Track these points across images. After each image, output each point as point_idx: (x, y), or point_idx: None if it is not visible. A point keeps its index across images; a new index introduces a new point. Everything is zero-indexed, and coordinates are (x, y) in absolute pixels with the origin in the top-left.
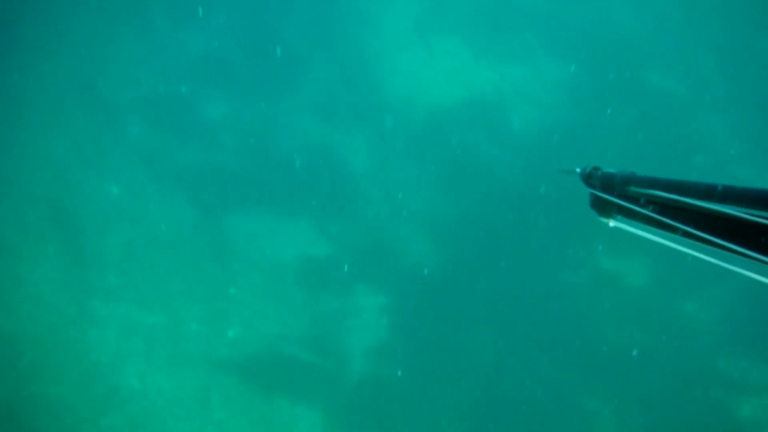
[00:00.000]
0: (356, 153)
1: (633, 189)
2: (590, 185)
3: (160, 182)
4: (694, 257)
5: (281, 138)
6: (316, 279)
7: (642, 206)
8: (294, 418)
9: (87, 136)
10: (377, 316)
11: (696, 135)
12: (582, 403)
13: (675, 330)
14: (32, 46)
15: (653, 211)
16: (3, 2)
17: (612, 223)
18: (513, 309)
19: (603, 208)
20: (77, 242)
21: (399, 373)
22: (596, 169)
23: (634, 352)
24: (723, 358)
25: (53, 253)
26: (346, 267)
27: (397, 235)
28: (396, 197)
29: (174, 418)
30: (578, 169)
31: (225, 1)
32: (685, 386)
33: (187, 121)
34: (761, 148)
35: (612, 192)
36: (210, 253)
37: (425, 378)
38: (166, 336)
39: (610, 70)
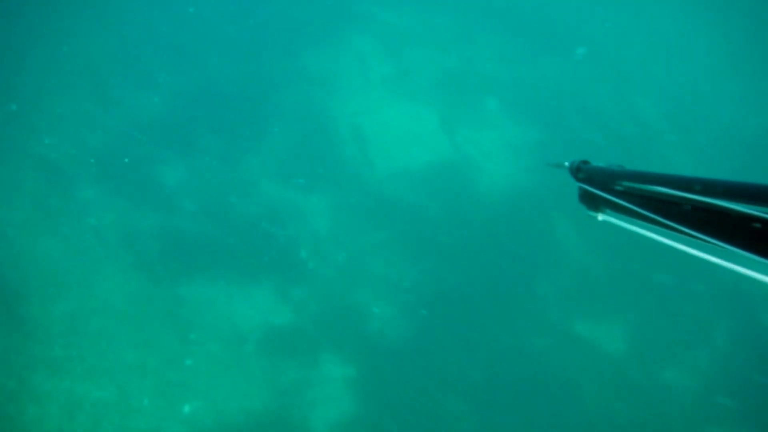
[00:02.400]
0: (318, 216)
1: (622, 183)
2: (579, 179)
3: (111, 248)
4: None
5: (240, 201)
6: (278, 348)
7: (630, 200)
8: None
9: (32, 197)
10: (343, 386)
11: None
12: None
13: (655, 399)
14: None
15: (642, 205)
16: None
17: (601, 217)
18: (485, 376)
19: (591, 202)
20: (18, 311)
21: None
22: (585, 162)
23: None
24: (706, 427)
25: None
26: (308, 334)
27: (361, 300)
28: (359, 261)
29: None
30: (567, 163)
31: (182, 63)
32: None
33: (142, 184)
34: None
35: (600, 186)
36: (164, 322)
37: None
38: (115, 412)
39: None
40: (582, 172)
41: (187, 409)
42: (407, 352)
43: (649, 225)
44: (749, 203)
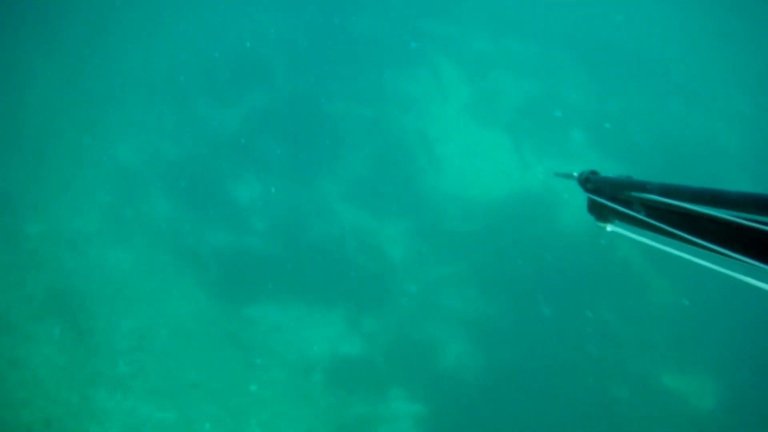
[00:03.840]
0: (393, 243)
1: (630, 193)
2: (587, 189)
3: (182, 264)
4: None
5: (314, 223)
6: (346, 379)
7: (638, 211)
8: None
9: (105, 207)
10: (411, 424)
11: None
12: None
13: None
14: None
15: (650, 215)
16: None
17: (609, 228)
18: (558, 421)
19: (600, 212)
20: (85, 324)
21: None
22: (594, 173)
23: None
24: None
25: (58, 336)
26: (378, 367)
27: (434, 334)
28: (434, 293)
29: None
30: (576, 174)
31: (264, 80)
32: None
33: (215, 201)
34: None
35: (609, 196)
36: (230, 344)
37: None
38: None
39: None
40: (591, 182)
41: None
42: (479, 391)
43: (658, 236)
44: (760, 214)
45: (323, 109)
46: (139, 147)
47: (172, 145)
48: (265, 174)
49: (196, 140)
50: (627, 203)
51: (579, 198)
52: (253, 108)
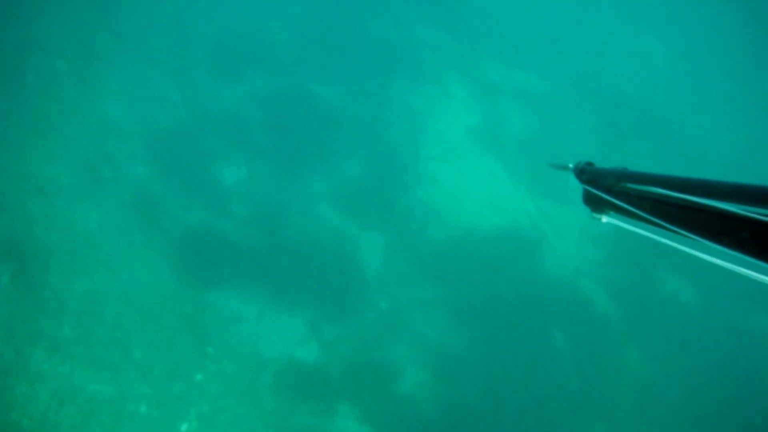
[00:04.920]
0: (370, 254)
1: (626, 185)
2: (583, 181)
3: (150, 234)
4: None
5: (293, 219)
6: (297, 385)
7: (634, 202)
8: None
9: (83, 160)
10: None
11: None
12: None
13: None
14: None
15: (645, 207)
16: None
17: (605, 219)
18: None
19: (596, 204)
20: (37, 277)
21: None
22: (589, 164)
23: None
24: None
25: (5, 284)
26: (332, 379)
27: (396, 355)
28: (403, 314)
29: None
30: (571, 165)
31: (273, 65)
32: None
33: (198, 177)
34: None
35: (605, 188)
36: (184, 327)
37: None
38: (107, 411)
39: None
40: (586, 174)
41: (184, 428)
42: (432, 424)
43: (653, 227)
44: (754, 205)
45: (324, 103)
46: (132, 107)
47: (166, 112)
48: (254, 159)
49: (191, 111)
50: (622, 195)
51: (567, 241)
52: (254, 89)
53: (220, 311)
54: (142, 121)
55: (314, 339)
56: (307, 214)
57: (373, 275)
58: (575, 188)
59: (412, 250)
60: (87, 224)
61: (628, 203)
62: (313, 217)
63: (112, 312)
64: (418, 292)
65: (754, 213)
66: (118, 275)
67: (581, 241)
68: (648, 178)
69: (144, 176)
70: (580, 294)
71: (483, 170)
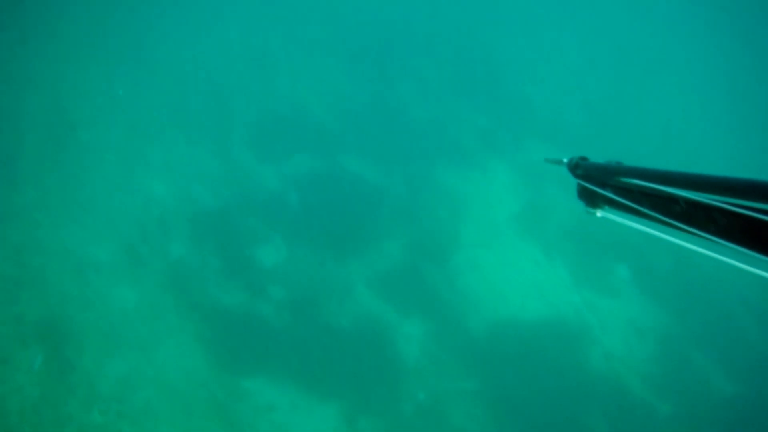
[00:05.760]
0: (409, 343)
1: (620, 179)
2: (577, 175)
3: (186, 315)
4: None
5: (331, 303)
6: None
7: (628, 197)
8: None
9: (122, 238)
10: None
11: None
12: None
13: None
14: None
15: (640, 201)
16: None
17: (599, 214)
18: None
19: (590, 198)
20: (70, 359)
21: None
22: (583, 159)
23: None
24: None
25: (38, 366)
26: None
27: None
28: (442, 405)
29: None
30: (565, 159)
31: (319, 146)
32: None
33: (237, 257)
34: None
35: (599, 182)
36: (216, 414)
37: None
38: None
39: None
40: (580, 168)
41: None
42: None
43: (647, 221)
44: (745, 199)
45: (365, 185)
46: (174, 184)
47: (207, 190)
48: (293, 240)
49: (233, 190)
50: (617, 189)
51: (613, 335)
52: (295, 169)
53: (253, 398)
54: (184, 198)
55: (348, 430)
56: (345, 298)
57: (412, 365)
58: (622, 279)
59: (452, 339)
60: (123, 304)
61: (623, 197)
62: (350, 302)
63: (143, 397)
64: (458, 383)
65: (753, 210)
66: (151, 358)
67: (628, 335)
68: (642, 172)
69: (183, 255)
70: (625, 390)
71: (526, 258)
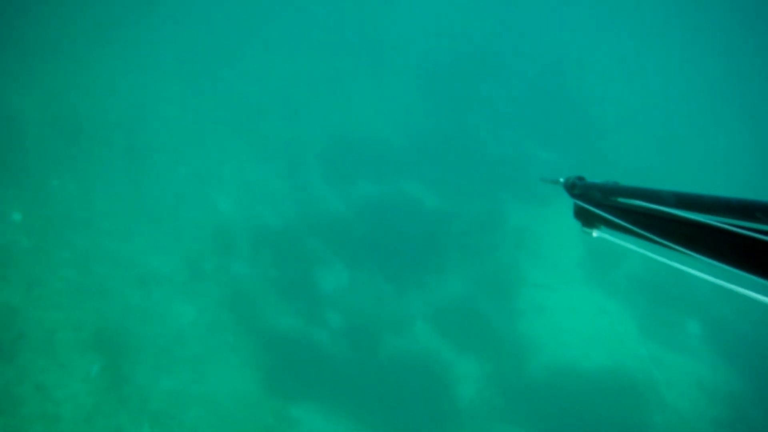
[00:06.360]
0: (465, 383)
1: (617, 199)
2: (574, 195)
3: (243, 336)
4: None
5: (388, 335)
6: None
7: (625, 217)
8: None
9: (186, 253)
10: None
11: None
12: None
13: None
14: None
15: (636, 221)
16: None
17: (596, 234)
18: None
19: (586, 218)
20: (125, 370)
21: None
22: (580, 179)
23: None
24: None
25: (94, 374)
26: None
27: None
28: None
29: None
30: (562, 179)
31: (383, 173)
32: None
33: (298, 280)
34: None
35: (595, 202)
36: None
37: None
38: None
39: None
40: (577, 188)
41: None
42: None
43: (643, 241)
44: (745, 220)
45: (431, 215)
46: (240, 202)
47: (272, 209)
48: (355, 267)
49: (298, 211)
50: (613, 209)
51: (680, 394)
52: (362, 194)
53: (302, 427)
54: (249, 216)
55: None
56: (403, 331)
57: (466, 406)
58: (692, 334)
59: (509, 382)
60: (181, 319)
61: (619, 217)
62: (408, 335)
63: (193, 415)
64: (512, 429)
65: (749, 230)
66: (203, 376)
67: (696, 395)
68: (638, 192)
69: (243, 274)
70: None
71: (591, 304)
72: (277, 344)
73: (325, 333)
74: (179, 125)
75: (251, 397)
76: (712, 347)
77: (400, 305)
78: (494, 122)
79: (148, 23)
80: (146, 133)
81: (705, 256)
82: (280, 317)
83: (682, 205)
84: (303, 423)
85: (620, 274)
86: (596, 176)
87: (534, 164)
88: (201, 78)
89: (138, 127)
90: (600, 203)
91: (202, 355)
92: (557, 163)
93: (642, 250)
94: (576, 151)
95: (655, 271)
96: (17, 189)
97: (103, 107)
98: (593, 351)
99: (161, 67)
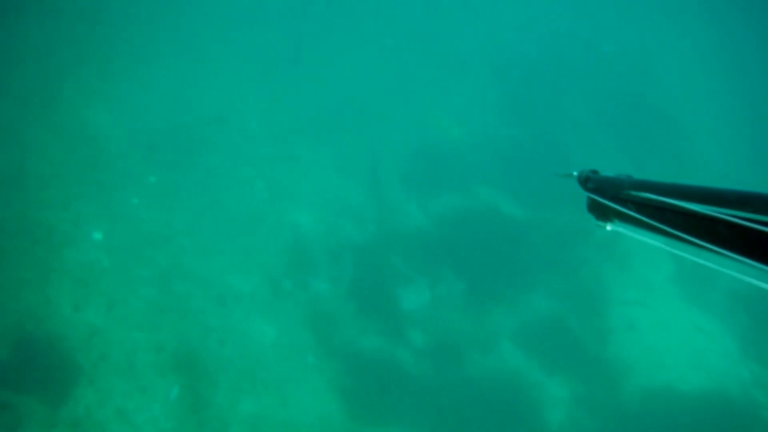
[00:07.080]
0: (554, 405)
1: (630, 193)
2: (587, 189)
3: (324, 357)
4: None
5: (474, 353)
6: None
7: (638, 210)
8: None
9: (266, 270)
10: None
11: None
12: None
13: None
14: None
15: (649, 214)
16: None
17: (609, 227)
18: None
19: (600, 212)
20: (205, 393)
21: None
22: (593, 172)
23: None
24: None
25: (174, 397)
26: None
27: None
28: None
29: None
30: (575, 173)
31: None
32: None
33: (379, 297)
34: None
35: (609, 196)
36: None
37: None
38: None
39: None
40: (591, 181)
41: None
42: None
43: (658, 234)
44: (758, 213)
45: (518, 230)
46: (321, 218)
47: (353, 225)
48: (438, 283)
49: (380, 226)
50: (627, 203)
51: None
52: (444, 208)
53: None
54: (329, 232)
55: None
56: (488, 350)
57: (555, 431)
58: None
59: (601, 405)
60: (262, 340)
61: (633, 211)
62: (494, 354)
63: None
64: None
65: (762, 224)
66: (285, 400)
67: None
68: (652, 186)
69: (324, 292)
70: None
71: (687, 322)
72: (358, 365)
73: (407, 352)
74: (258, 139)
75: (333, 420)
76: None
77: (485, 323)
78: (579, 134)
79: (225, 36)
80: (225, 147)
81: (723, 250)
82: (360, 336)
83: (697, 198)
84: None
85: (718, 291)
86: (684, 180)
87: (618, 170)
88: (278, 89)
89: (216, 140)
90: (614, 197)
91: (283, 377)
92: (641, 169)
93: (657, 244)
94: (658, 155)
95: (759, 287)
96: (98, 208)
97: (181, 122)
98: (691, 372)
99: (240, 79)
